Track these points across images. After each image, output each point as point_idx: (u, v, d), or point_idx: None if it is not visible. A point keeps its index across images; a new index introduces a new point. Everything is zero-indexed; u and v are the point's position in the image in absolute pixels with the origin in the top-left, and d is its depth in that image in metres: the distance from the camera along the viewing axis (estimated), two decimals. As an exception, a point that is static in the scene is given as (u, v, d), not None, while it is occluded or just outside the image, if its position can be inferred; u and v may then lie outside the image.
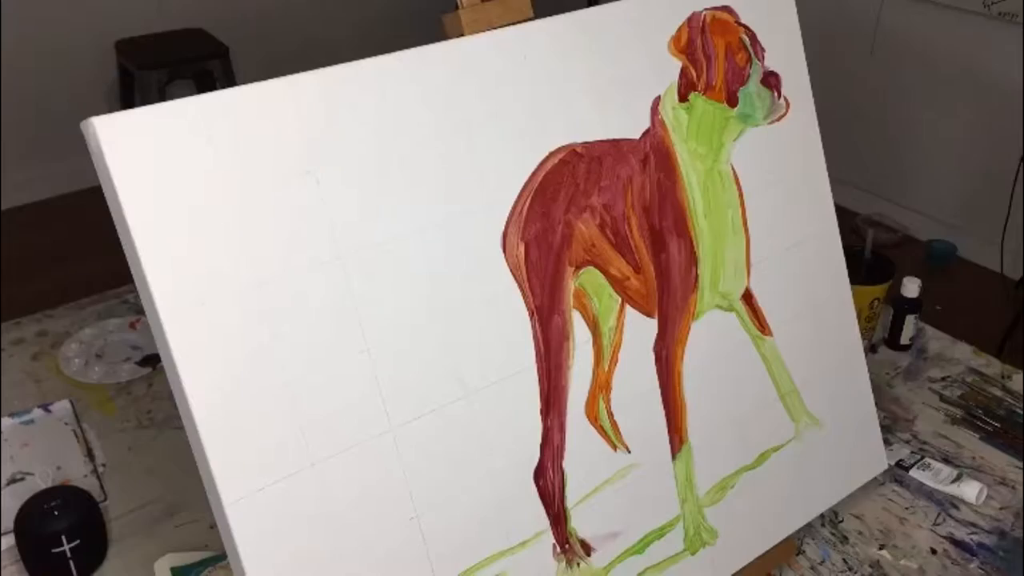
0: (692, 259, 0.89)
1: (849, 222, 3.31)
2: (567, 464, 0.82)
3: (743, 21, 0.93)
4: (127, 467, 1.10)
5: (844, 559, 1.01)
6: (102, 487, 1.06)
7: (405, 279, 0.73)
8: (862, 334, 1.22)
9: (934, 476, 1.10)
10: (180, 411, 0.64)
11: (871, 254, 1.26)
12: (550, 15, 0.80)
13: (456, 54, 0.75)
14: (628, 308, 0.85)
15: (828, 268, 1.01)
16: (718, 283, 0.91)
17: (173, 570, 0.96)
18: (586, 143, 0.82)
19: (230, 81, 3.17)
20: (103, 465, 1.10)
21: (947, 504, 1.07)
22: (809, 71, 0.98)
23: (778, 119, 0.95)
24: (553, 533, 0.81)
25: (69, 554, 0.93)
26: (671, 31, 0.88)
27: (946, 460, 1.13)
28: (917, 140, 3.29)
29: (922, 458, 1.13)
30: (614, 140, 0.84)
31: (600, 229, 0.83)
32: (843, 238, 1.01)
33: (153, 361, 1.27)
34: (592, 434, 0.83)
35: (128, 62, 3.19)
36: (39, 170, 3.28)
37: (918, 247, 3.26)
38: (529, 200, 0.79)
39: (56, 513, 0.94)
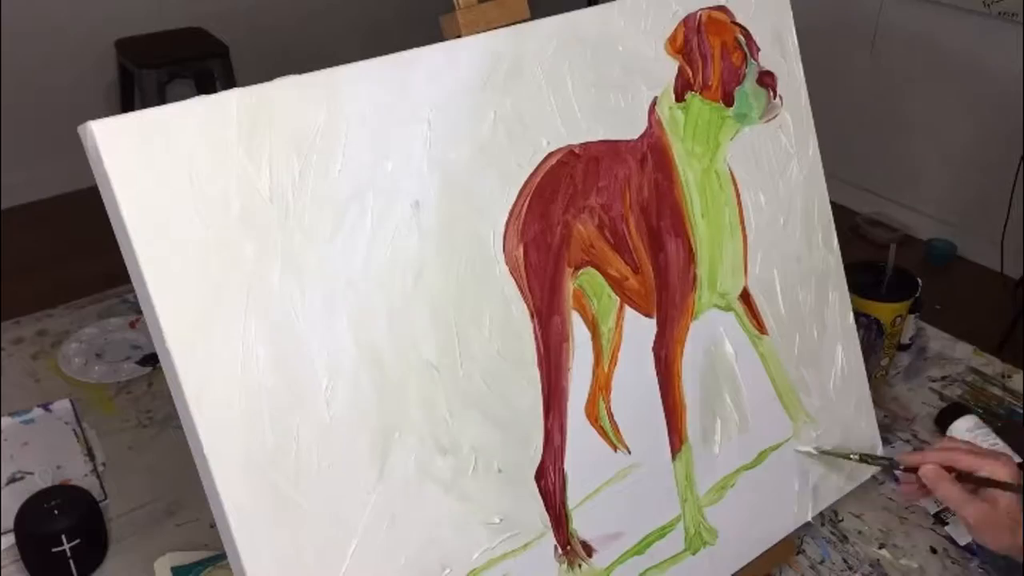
0: (690, 259, 0.89)
1: (849, 221, 3.31)
2: (568, 465, 0.82)
3: (739, 20, 0.93)
4: (127, 466, 1.10)
5: (844, 558, 1.01)
6: (102, 486, 1.06)
7: (402, 281, 0.73)
8: (884, 352, 1.21)
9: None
10: (178, 411, 0.64)
11: (893, 270, 1.24)
12: (547, 15, 0.80)
13: (453, 55, 0.75)
14: (627, 308, 0.85)
15: (826, 267, 1.01)
16: (716, 283, 0.91)
17: (173, 569, 0.96)
18: (584, 144, 0.82)
19: (230, 81, 3.17)
20: (103, 464, 1.10)
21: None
22: (809, 70, 0.97)
23: (774, 118, 0.95)
24: (554, 534, 0.81)
25: (69, 554, 0.93)
26: (668, 31, 0.88)
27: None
28: (917, 139, 3.29)
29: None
30: (612, 141, 0.84)
31: (598, 230, 0.83)
32: (842, 238, 1.01)
33: (153, 360, 1.27)
34: (592, 435, 0.83)
35: (128, 61, 3.19)
36: (39, 170, 3.28)
37: (918, 246, 3.26)
38: (528, 201, 0.79)
39: (56, 513, 0.95)
